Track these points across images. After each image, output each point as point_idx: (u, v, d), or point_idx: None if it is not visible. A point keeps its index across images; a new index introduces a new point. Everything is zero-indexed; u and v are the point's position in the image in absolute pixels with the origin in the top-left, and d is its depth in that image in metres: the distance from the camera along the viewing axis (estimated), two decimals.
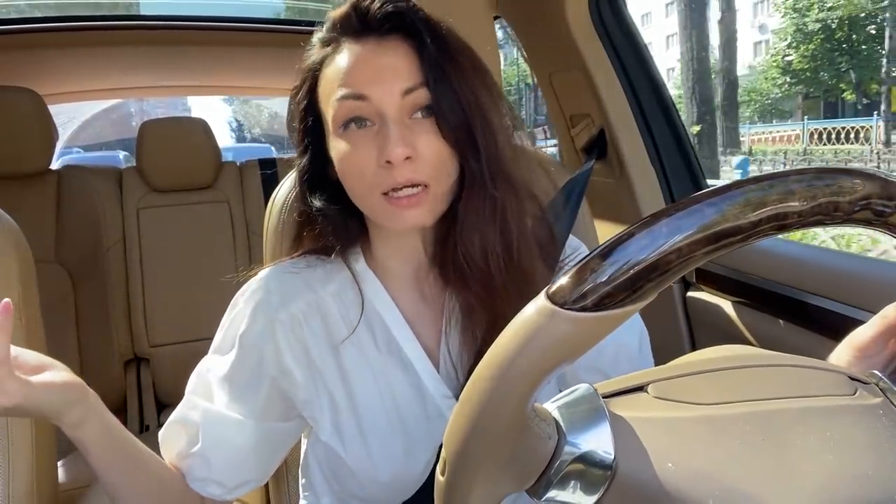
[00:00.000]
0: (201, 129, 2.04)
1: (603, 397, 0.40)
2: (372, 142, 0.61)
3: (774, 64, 20.80)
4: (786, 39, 19.95)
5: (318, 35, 0.67)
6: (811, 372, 0.44)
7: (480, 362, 0.37)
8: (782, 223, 0.34)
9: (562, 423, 0.39)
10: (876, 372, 0.45)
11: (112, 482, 0.65)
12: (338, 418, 0.70)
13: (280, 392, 0.71)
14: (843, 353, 0.54)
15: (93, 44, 2.04)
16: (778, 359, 0.45)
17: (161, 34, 2.05)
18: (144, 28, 2.04)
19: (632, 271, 0.33)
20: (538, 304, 0.35)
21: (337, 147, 0.64)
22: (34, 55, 2.03)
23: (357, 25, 0.64)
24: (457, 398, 0.69)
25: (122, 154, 9.94)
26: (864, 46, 18.06)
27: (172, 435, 0.71)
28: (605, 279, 0.33)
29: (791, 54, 19.74)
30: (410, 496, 0.70)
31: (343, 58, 0.64)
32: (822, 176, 0.35)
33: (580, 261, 0.35)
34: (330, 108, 0.64)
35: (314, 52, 0.67)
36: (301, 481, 0.80)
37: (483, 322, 0.67)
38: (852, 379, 0.44)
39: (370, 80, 0.62)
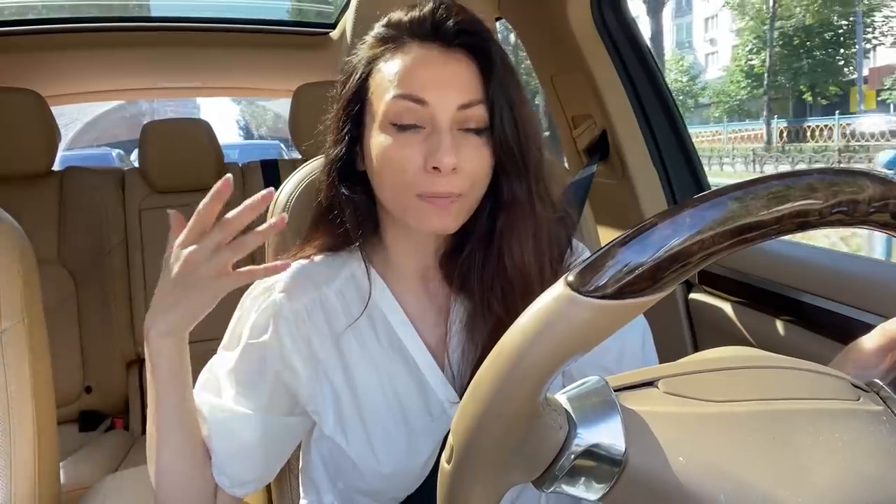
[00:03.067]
0: (204, 130, 2.04)
1: (613, 391, 0.40)
2: (420, 144, 0.63)
3: (738, 68, 21.59)
4: (747, 46, 21.01)
5: (376, 31, 0.68)
6: (817, 376, 0.44)
7: (495, 347, 0.36)
8: (804, 220, 0.34)
9: (573, 414, 0.39)
10: (877, 381, 0.46)
11: (163, 424, 0.67)
12: (341, 411, 0.71)
13: (284, 386, 0.71)
14: (842, 363, 0.55)
15: (95, 45, 2.05)
16: (785, 362, 0.45)
17: (163, 36, 2.05)
18: (146, 30, 2.05)
19: (654, 261, 0.33)
20: (557, 291, 0.34)
21: (381, 141, 0.64)
22: (36, 57, 2.04)
23: (429, 30, 0.65)
24: (460, 397, 0.70)
25: (114, 152, 9.93)
26: (818, 53, 19.23)
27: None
28: (627, 267, 0.33)
29: (753, 59, 20.78)
30: (413, 491, 0.71)
31: (406, 57, 0.64)
32: (844, 176, 0.35)
33: (601, 248, 0.34)
34: (382, 102, 0.64)
35: (369, 46, 0.68)
36: (302, 480, 0.80)
37: (485, 331, 0.69)
38: (854, 386, 0.44)
39: (431, 86, 0.63)
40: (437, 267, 0.72)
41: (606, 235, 1.20)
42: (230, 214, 0.61)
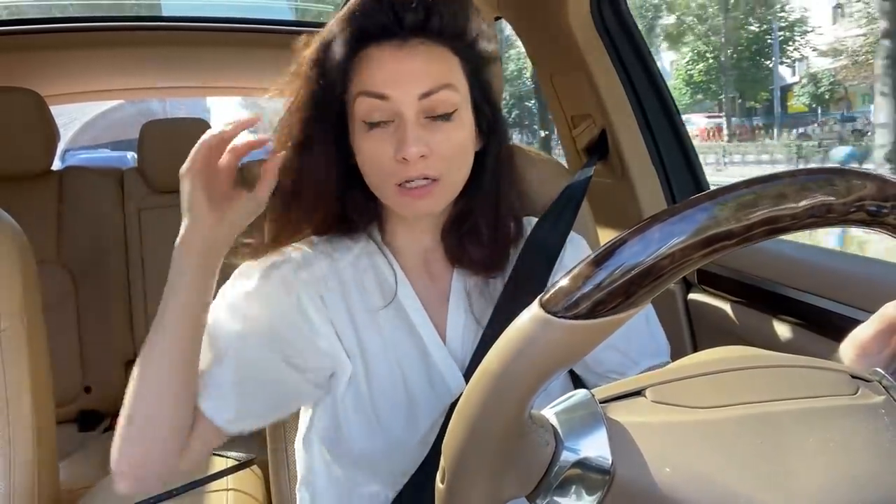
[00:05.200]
0: (203, 130, 2.03)
1: (601, 402, 0.40)
2: (390, 138, 0.66)
3: (679, 77, 24.15)
4: (685, 58, 23.96)
5: (344, 35, 0.70)
6: (812, 372, 0.44)
7: (477, 370, 0.37)
8: (775, 226, 0.34)
9: (559, 430, 0.39)
10: (879, 370, 0.45)
11: (167, 342, 0.66)
12: (353, 375, 0.73)
13: (305, 337, 0.72)
14: (845, 351, 0.55)
15: (93, 44, 2.04)
16: (779, 359, 0.45)
17: (163, 35, 2.05)
18: (146, 29, 2.04)
19: (625, 278, 0.33)
20: (532, 312, 0.35)
21: (358, 140, 0.69)
22: (35, 56, 2.03)
23: (380, 30, 0.68)
24: (461, 369, 0.74)
25: (129, 154, 9.90)
26: (744, 64, 21.99)
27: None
28: (597, 286, 0.33)
29: (692, 69, 23.46)
30: (414, 470, 0.72)
31: (367, 58, 0.68)
32: (816, 177, 0.35)
33: (572, 268, 0.35)
34: (354, 102, 0.68)
35: (340, 50, 0.69)
36: (298, 466, 0.81)
37: (483, 303, 0.76)
38: (854, 377, 0.44)
39: (390, 81, 0.66)
40: (438, 245, 0.77)
41: (605, 235, 1.20)
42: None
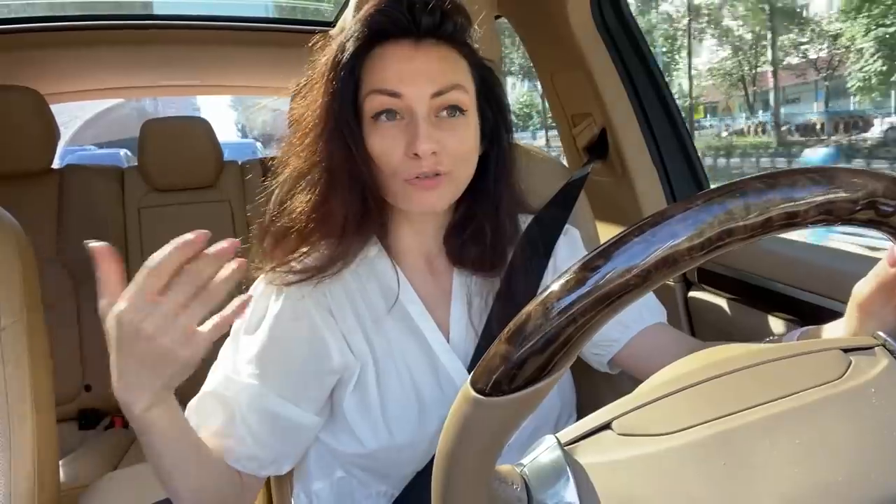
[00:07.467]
0: (202, 128, 2.04)
1: (568, 444, 0.40)
2: (401, 133, 0.67)
3: None
4: None
5: (360, 33, 0.70)
6: (795, 362, 0.43)
7: (437, 450, 0.38)
8: (674, 267, 0.34)
9: (529, 483, 0.39)
10: (881, 333, 0.44)
11: (169, 466, 0.63)
12: (364, 380, 0.75)
13: (315, 366, 0.73)
14: (849, 314, 0.56)
15: (93, 43, 2.05)
16: (758, 356, 0.44)
17: (162, 34, 2.05)
18: (145, 27, 2.04)
19: (537, 350, 0.34)
20: (465, 393, 0.36)
21: (368, 136, 0.69)
22: (35, 55, 2.04)
23: (397, 30, 0.69)
24: (465, 365, 0.75)
25: (122, 152, 9.93)
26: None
27: (207, 409, 0.71)
28: (514, 363, 0.34)
29: None
30: (422, 467, 0.74)
31: (381, 56, 0.69)
32: (775, 183, 0.35)
33: (490, 348, 0.35)
34: (366, 99, 0.69)
35: (353, 45, 0.70)
36: (294, 471, 0.82)
37: (483, 302, 0.77)
38: (849, 350, 0.43)
39: (404, 79, 0.67)
40: (440, 247, 0.78)
41: (606, 233, 1.20)
42: (193, 263, 0.52)
